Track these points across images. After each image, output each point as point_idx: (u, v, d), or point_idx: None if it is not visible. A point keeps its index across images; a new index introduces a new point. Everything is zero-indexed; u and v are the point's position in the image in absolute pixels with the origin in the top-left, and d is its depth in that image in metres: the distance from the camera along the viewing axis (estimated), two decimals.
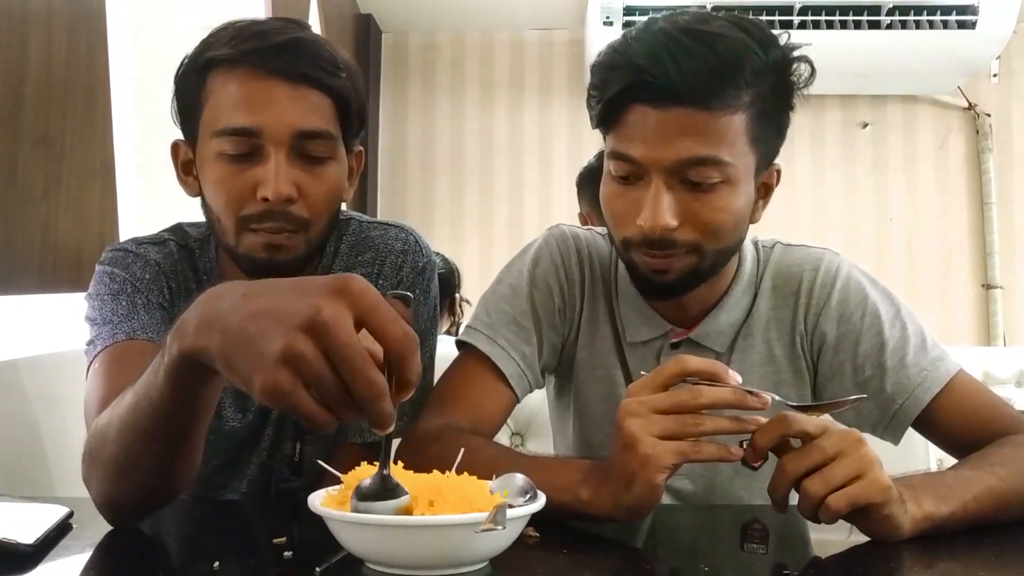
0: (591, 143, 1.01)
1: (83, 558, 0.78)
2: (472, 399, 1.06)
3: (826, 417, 0.81)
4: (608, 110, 0.97)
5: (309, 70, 1.01)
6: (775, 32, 0.97)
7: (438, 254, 2.54)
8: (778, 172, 1.05)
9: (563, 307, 1.13)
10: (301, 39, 1.03)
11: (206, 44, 1.03)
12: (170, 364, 0.68)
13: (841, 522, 0.79)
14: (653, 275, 1.01)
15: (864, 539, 0.81)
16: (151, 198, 1.91)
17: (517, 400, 1.10)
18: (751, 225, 1.07)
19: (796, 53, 0.98)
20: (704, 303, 1.09)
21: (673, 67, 0.91)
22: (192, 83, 1.03)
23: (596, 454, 1.09)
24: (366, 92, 1.12)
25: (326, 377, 0.58)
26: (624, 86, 0.94)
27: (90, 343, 1.05)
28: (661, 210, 0.95)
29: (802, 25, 3.35)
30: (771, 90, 0.96)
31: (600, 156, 1.53)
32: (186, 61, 1.05)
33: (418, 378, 0.61)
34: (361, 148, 1.14)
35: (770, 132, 0.99)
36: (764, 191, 1.04)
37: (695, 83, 0.91)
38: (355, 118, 1.07)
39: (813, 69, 0.99)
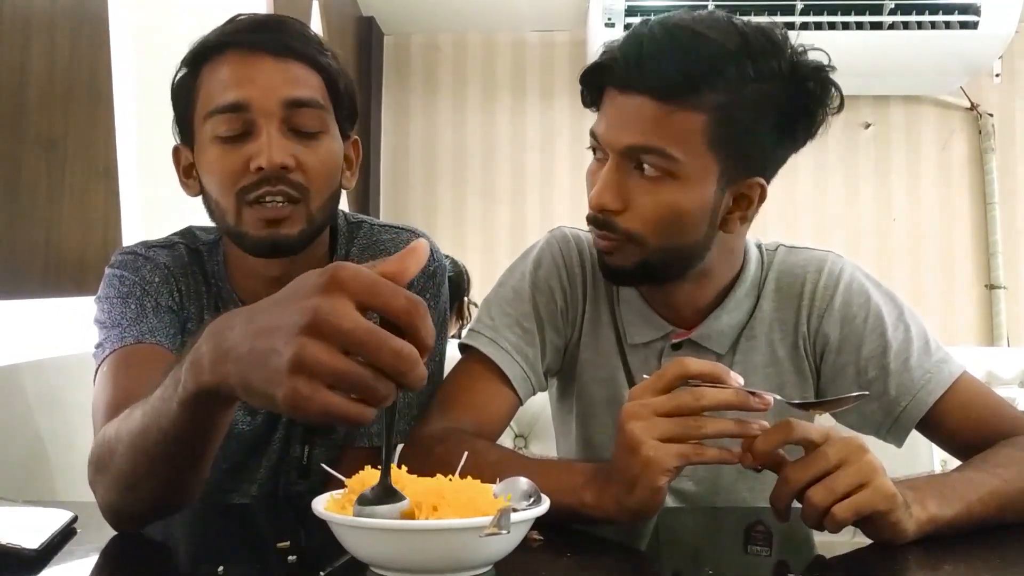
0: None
1: (88, 563, 0.78)
2: (475, 402, 1.06)
3: (828, 419, 0.81)
4: (592, 91, 1.02)
5: (295, 44, 1.03)
6: (803, 47, 0.98)
7: (448, 257, 2.54)
8: (762, 187, 1.01)
9: (565, 309, 1.14)
10: (285, 19, 1.06)
11: (196, 42, 1.06)
12: (186, 397, 0.67)
13: None
14: (601, 255, 1.04)
15: (868, 541, 0.81)
16: (154, 201, 1.91)
17: (520, 402, 1.10)
18: (744, 233, 1.07)
19: (821, 74, 0.98)
20: (703, 304, 1.09)
21: (637, 57, 0.95)
22: (186, 82, 1.05)
23: (598, 455, 1.09)
24: (368, 95, 1.13)
25: (350, 369, 0.57)
26: (595, 65, 0.99)
27: (99, 346, 1.04)
28: (604, 188, 0.98)
29: (804, 25, 3.34)
30: (752, 101, 0.94)
31: None
32: (179, 66, 1.07)
33: (433, 340, 0.60)
34: (357, 138, 1.15)
35: (745, 141, 0.96)
36: (746, 204, 1.01)
37: (655, 74, 0.93)
38: (345, 98, 1.08)
39: (842, 99, 0.99)
